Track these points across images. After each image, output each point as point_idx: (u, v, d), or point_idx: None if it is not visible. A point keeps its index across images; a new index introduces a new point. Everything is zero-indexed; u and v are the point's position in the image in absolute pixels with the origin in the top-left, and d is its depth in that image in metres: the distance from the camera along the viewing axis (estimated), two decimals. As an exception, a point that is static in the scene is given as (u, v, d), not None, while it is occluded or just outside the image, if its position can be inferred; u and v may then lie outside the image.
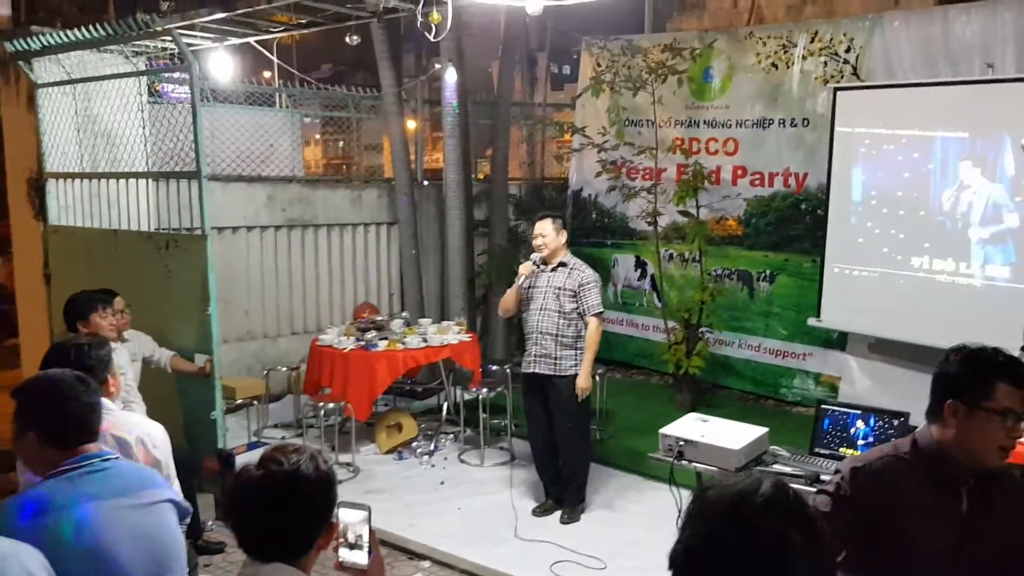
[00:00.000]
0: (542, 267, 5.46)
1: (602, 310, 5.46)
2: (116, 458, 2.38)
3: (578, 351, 5.40)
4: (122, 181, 5.95)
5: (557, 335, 5.35)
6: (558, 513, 5.54)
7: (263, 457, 1.86)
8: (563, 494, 5.57)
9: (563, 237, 5.48)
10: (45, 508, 2.17)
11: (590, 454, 5.76)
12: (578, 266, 5.47)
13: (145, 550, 2.21)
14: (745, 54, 7.86)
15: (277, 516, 1.81)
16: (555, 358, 5.37)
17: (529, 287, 5.46)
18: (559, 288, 5.38)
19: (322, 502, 1.88)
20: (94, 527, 2.19)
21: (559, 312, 5.36)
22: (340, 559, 2.00)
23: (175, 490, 2.50)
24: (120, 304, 4.96)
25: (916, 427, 2.36)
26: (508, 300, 5.55)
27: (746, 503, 1.44)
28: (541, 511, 5.59)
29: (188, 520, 2.48)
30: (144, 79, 6.46)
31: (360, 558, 2.00)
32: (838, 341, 7.37)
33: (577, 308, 5.38)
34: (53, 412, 2.31)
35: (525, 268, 5.46)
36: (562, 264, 5.45)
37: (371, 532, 2.00)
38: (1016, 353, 2.36)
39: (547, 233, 5.41)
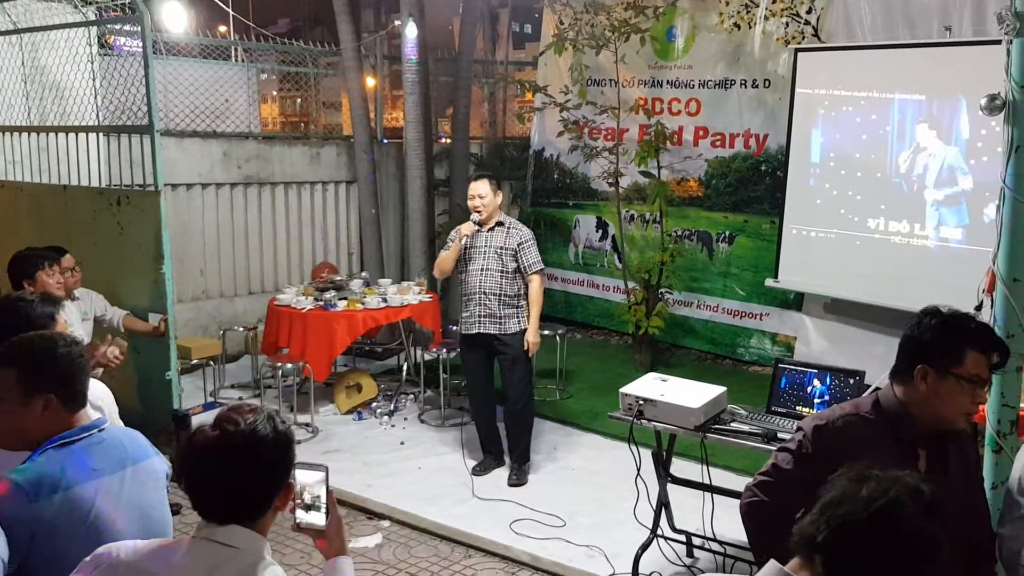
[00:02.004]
0: (479, 228, 5.44)
1: (542, 267, 5.51)
2: (108, 424, 2.30)
3: (520, 309, 5.43)
4: (71, 135, 5.78)
5: (500, 295, 5.35)
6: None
7: (219, 417, 1.82)
8: (511, 455, 5.57)
9: (499, 198, 5.48)
10: (59, 484, 2.06)
11: (533, 414, 5.76)
12: (515, 225, 5.49)
13: (140, 526, 2.15)
14: (708, 13, 7.82)
15: (233, 477, 1.78)
16: (499, 318, 5.37)
17: (467, 247, 5.44)
18: (501, 248, 5.37)
19: (279, 463, 1.84)
20: (101, 502, 2.12)
21: (501, 272, 5.36)
22: (297, 520, 1.99)
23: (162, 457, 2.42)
24: (70, 262, 4.85)
25: (870, 386, 2.39)
26: (447, 261, 5.50)
27: (908, 505, 1.47)
28: (481, 469, 5.60)
29: (167, 483, 2.39)
30: (94, 30, 6.26)
31: (318, 519, 1.98)
32: (795, 301, 7.46)
33: (518, 267, 5.39)
34: (72, 374, 2.20)
35: (467, 228, 5.42)
36: (499, 224, 5.44)
37: (329, 493, 1.98)
38: (971, 313, 2.40)
39: (484, 194, 5.38)
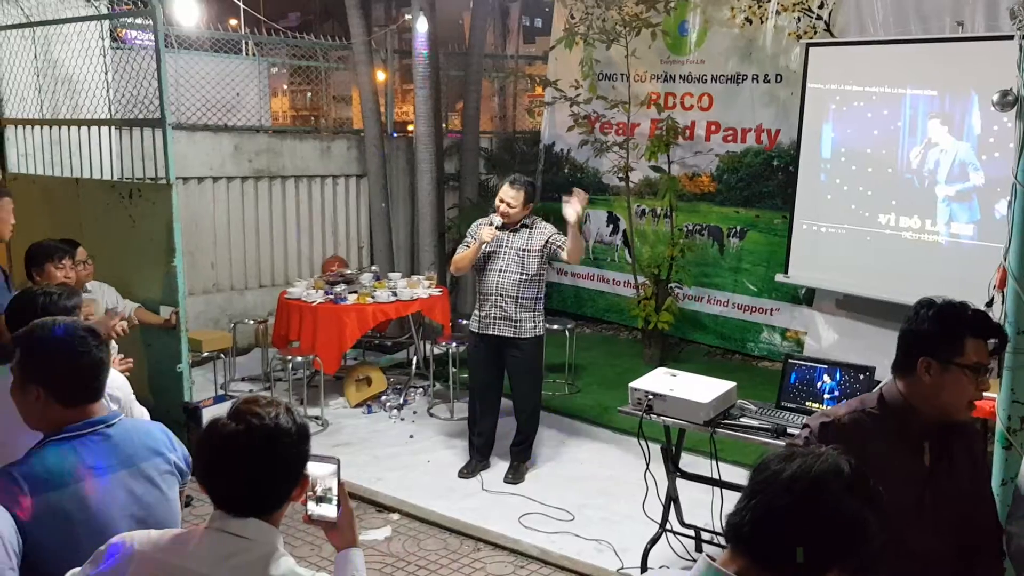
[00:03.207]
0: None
1: None
2: (120, 418, 2.25)
3: (536, 313, 5.33)
4: (84, 128, 5.81)
5: (517, 297, 5.25)
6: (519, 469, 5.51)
7: (239, 410, 1.80)
8: (512, 453, 5.53)
9: (528, 211, 5.33)
10: (56, 483, 2.04)
11: (539, 417, 5.67)
12: (538, 224, 5.35)
13: (142, 527, 2.12)
14: (719, 8, 7.80)
15: (257, 471, 1.78)
16: (515, 321, 5.27)
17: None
18: (522, 249, 5.26)
19: (299, 456, 1.85)
20: (98, 501, 2.09)
21: (520, 274, 5.25)
22: (309, 512, 1.99)
23: (181, 451, 2.37)
24: (83, 255, 4.89)
25: (880, 381, 2.39)
26: (464, 260, 5.34)
27: (830, 484, 1.42)
28: (467, 472, 5.49)
29: (187, 480, 2.32)
30: (106, 23, 6.28)
31: (329, 511, 1.99)
32: (805, 297, 7.44)
33: (540, 270, 5.29)
34: (63, 368, 2.12)
35: (487, 235, 5.20)
36: (524, 225, 5.33)
37: (340, 485, 1.99)
38: (973, 303, 2.40)
39: (515, 204, 5.24)
